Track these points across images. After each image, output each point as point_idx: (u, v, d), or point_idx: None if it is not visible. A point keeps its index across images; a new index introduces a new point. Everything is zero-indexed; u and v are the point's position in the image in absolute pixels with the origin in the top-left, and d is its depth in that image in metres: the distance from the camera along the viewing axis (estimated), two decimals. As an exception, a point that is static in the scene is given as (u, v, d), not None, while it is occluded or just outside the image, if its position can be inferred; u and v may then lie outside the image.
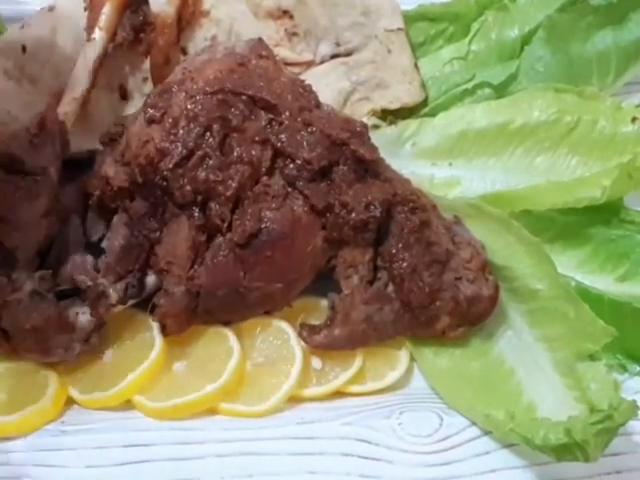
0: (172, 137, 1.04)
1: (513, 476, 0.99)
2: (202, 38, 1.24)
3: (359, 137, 1.09)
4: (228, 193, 1.04)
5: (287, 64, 1.24)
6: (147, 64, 1.21)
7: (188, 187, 1.04)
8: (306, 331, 1.08)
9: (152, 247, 1.07)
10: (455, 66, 1.32)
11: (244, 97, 1.06)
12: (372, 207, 1.06)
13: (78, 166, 1.12)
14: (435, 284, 1.07)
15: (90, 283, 1.04)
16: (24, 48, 1.22)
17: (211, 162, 1.04)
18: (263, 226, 1.04)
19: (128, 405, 1.04)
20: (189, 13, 1.23)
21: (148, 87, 1.22)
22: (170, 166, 1.04)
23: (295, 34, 1.29)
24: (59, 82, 1.18)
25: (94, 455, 1.00)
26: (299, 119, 1.07)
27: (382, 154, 1.12)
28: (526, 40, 1.30)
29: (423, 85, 1.30)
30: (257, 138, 1.05)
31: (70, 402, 1.05)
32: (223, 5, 1.27)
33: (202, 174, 1.04)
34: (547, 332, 1.06)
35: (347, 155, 1.07)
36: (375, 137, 1.13)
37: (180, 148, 1.04)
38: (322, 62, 1.29)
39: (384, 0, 1.32)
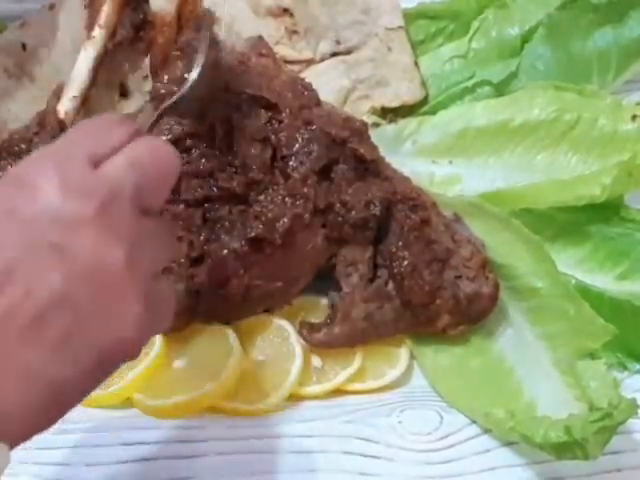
0: (172, 135, 1.04)
1: (513, 474, 0.98)
2: (202, 36, 1.24)
3: (359, 135, 1.09)
4: (228, 191, 1.04)
5: (287, 62, 1.23)
6: (147, 62, 1.21)
7: (188, 185, 1.04)
8: (306, 329, 1.08)
9: (152, 245, 1.06)
10: (455, 64, 1.32)
11: (244, 95, 1.06)
12: (372, 205, 1.06)
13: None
14: (435, 282, 1.07)
15: (90, 281, 1.04)
16: (24, 46, 1.22)
17: (211, 160, 1.04)
18: (263, 224, 1.04)
19: (128, 403, 1.04)
20: (189, 11, 1.23)
21: (148, 85, 1.21)
22: (170, 164, 1.03)
23: (295, 32, 1.29)
24: (59, 80, 1.18)
25: (94, 453, 0.99)
26: (299, 117, 1.07)
27: (382, 152, 1.12)
28: (526, 38, 1.29)
29: (423, 83, 1.30)
30: (257, 137, 1.05)
31: (70, 400, 1.05)
32: (223, 3, 1.27)
33: (202, 172, 1.04)
34: (547, 330, 1.06)
35: (347, 153, 1.07)
36: (375, 135, 1.13)
37: (179, 146, 1.04)
38: (322, 60, 1.29)
39: (384, -2, 1.32)
